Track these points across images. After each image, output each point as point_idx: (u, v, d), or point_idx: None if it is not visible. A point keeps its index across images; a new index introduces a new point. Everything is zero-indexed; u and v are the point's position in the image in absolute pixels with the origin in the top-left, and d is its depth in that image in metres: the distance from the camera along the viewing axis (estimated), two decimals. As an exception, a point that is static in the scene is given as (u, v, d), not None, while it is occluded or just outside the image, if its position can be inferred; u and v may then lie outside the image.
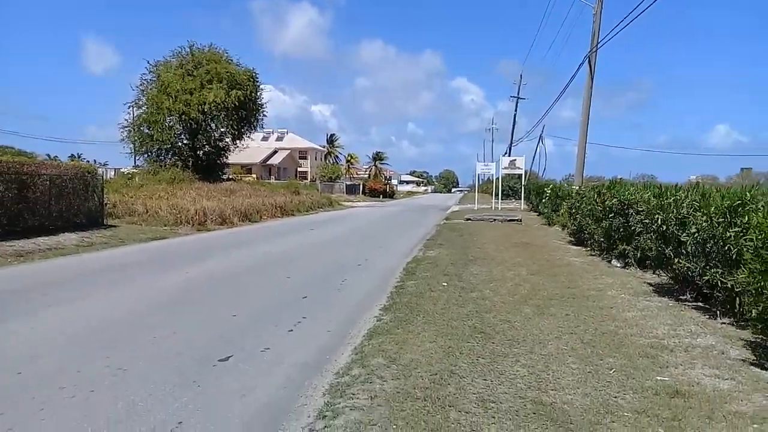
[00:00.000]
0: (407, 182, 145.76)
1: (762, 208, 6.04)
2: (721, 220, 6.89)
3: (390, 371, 5.24)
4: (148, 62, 36.27)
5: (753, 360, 5.71)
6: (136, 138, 35.80)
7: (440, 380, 4.98)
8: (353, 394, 4.70)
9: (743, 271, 5.73)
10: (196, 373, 5.38)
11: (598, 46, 21.59)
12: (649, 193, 9.81)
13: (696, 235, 7.38)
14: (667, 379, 5.11)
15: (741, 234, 6.29)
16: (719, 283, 6.82)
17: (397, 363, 5.47)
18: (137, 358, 5.84)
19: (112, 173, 45.29)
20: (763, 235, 5.45)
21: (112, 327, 7.16)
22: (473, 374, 5.17)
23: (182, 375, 5.33)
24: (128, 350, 6.12)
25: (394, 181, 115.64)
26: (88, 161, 70.50)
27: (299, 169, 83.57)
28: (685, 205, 7.85)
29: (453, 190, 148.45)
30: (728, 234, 6.66)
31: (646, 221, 9.34)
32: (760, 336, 5.83)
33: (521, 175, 41.06)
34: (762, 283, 5.34)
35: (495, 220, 25.26)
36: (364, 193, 70.60)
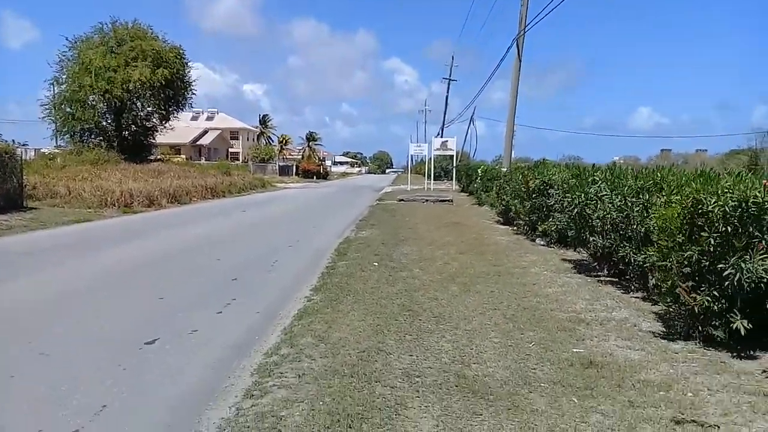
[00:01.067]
0: (341, 163, 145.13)
1: (664, 190, 6.41)
2: (633, 199, 7.25)
3: (318, 350, 5.31)
4: (67, 39, 34.70)
5: (662, 332, 6.07)
6: (57, 117, 34.28)
7: (367, 357, 5.09)
8: (281, 373, 4.75)
9: (653, 248, 6.07)
10: (121, 357, 5.30)
11: (526, 29, 22.08)
12: (569, 173, 10.20)
13: (609, 214, 7.73)
14: (582, 350, 5.38)
15: (648, 213, 6.65)
16: (632, 260, 7.20)
17: (326, 342, 5.55)
18: (60, 343, 5.71)
19: (33, 154, 43.16)
20: (668, 214, 5.78)
21: (33, 312, 6.96)
22: (400, 351, 5.31)
23: (107, 359, 5.25)
24: (51, 336, 5.97)
25: (328, 162, 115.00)
26: (7, 141, 66.89)
27: (231, 150, 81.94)
28: (601, 186, 8.20)
29: (387, 171, 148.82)
30: (635, 213, 7.05)
31: (565, 201, 9.70)
32: (669, 309, 6.19)
33: (453, 156, 41.65)
34: (668, 260, 5.67)
35: (427, 200, 25.62)
36: (297, 174, 69.99)
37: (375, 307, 6.85)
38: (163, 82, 34.22)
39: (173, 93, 36.92)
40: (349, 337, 5.68)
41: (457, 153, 44.49)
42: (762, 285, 5.01)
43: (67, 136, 35.42)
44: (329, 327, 6.04)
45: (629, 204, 7.32)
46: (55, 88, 34.76)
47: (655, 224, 6.13)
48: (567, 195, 9.50)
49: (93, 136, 35.43)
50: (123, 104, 34.64)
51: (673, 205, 5.67)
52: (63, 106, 34.02)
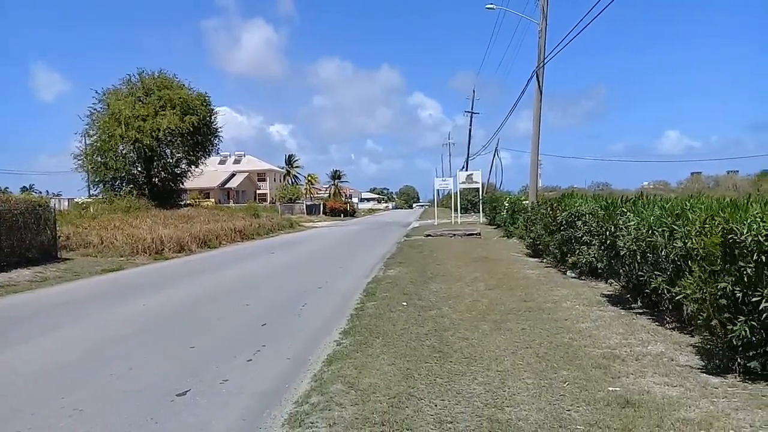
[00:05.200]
0: (368, 200, 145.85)
1: (691, 219, 6.30)
2: (660, 229, 7.12)
3: (349, 397, 5.27)
4: (96, 92, 35.80)
5: (701, 366, 5.91)
6: (89, 167, 35.17)
7: (398, 403, 5.04)
8: (312, 423, 4.72)
9: (687, 279, 5.94)
10: (153, 410, 5.32)
11: (545, 61, 22.15)
12: (597, 204, 10.10)
13: (637, 244, 7.61)
14: (618, 389, 5.25)
15: (678, 244, 6.53)
16: (665, 292, 7.04)
17: (356, 388, 5.50)
18: (94, 397, 5.76)
19: (66, 204, 44.29)
20: (707, 242, 5.67)
21: (67, 365, 7.04)
22: (431, 395, 5.24)
23: (140, 412, 5.27)
24: (84, 389, 6.03)
25: (355, 199, 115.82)
26: (41, 192, 68.91)
27: (258, 192, 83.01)
28: (629, 216, 8.10)
29: (414, 205, 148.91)
30: (663, 243, 6.93)
31: (595, 232, 9.59)
32: (706, 342, 6.04)
33: (479, 188, 41.58)
34: (703, 291, 5.55)
35: (454, 235, 25.49)
36: (325, 212, 70.46)
37: (405, 350, 6.80)
38: (191, 129, 34.94)
39: (201, 139, 37.64)
40: (380, 383, 5.63)
41: (483, 185, 44.45)
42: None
43: (100, 185, 36.30)
44: (359, 372, 6.00)
45: (656, 234, 7.20)
46: (87, 139, 35.78)
47: (686, 254, 6.03)
48: (594, 226, 9.41)
49: (124, 184, 36.18)
50: (153, 152, 35.37)
51: (708, 233, 5.58)
52: (95, 156, 34.89)
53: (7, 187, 55.28)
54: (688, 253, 6.14)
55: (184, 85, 37.14)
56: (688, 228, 6.22)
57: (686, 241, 6.21)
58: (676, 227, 6.74)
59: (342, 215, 71.96)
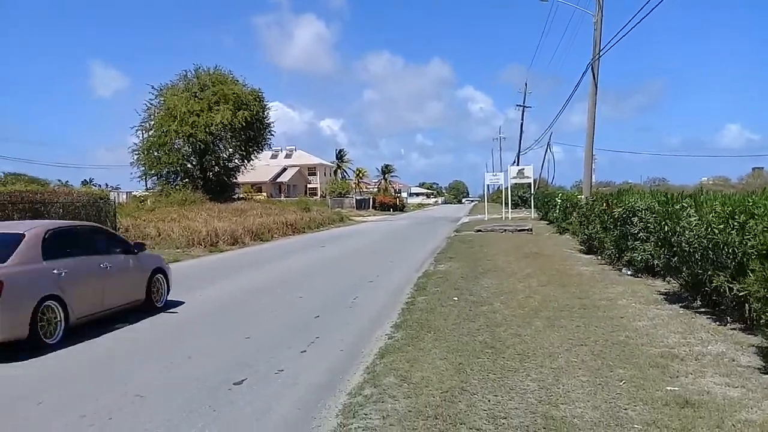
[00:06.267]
0: (417, 194, 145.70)
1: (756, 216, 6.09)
2: (721, 226, 6.91)
3: (401, 390, 5.31)
4: (153, 87, 36.87)
5: (763, 366, 5.72)
6: (145, 161, 36.25)
7: (451, 397, 5.04)
8: (366, 414, 4.77)
9: (750, 277, 5.76)
10: (211, 398, 5.47)
11: (600, 54, 21.67)
12: (654, 200, 9.85)
13: (698, 241, 7.40)
14: (677, 388, 5.13)
15: (745, 241, 6.33)
16: (727, 290, 6.83)
17: (409, 381, 5.54)
18: (154, 385, 5.96)
19: (125, 197, 45.77)
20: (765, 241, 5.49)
21: (126, 355, 7.30)
22: (484, 390, 5.23)
23: (198, 400, 5.42)
24: (145, 376, 6.24)
25: (404, 194, 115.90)
26: (100, 186, 71.28)
27: (309, 186, 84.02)
28: (689, 212, 7.88)
29: (463, 200, 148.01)
30: (731, 240, 6.69)
31: (651, 228, 9.36)
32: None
33: (530, 183, 41.04)
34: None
35: (505, 230, 25.22)
36: (374, 207, 70.74)
37: (456, 345, 6.79)
38: (244, 124, 35.68)
39: (253, 134, 38.41)
40: (432, 377, 5.65)
41: (535, 180, 43.88)
42: None
43: (155, 178, 37.40)
44: (411, 366, 6.03)
45: (717, 231, 6.98)
46: (143, 133, 36.91)
47: (754, 251, 5.83)
48: (651, 222, 9.19)
49: (179, 178, 37.20)
50: (206, 146, 36.23)
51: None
52: (151, 151, 35.95)
53: (68, 181, 57.56)
54: (752, 251, 5.95)
55: (238, 81, 37.92)
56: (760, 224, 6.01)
57: (749, 239, 6.02)
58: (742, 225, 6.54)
59: (391, 210, 72.08)
